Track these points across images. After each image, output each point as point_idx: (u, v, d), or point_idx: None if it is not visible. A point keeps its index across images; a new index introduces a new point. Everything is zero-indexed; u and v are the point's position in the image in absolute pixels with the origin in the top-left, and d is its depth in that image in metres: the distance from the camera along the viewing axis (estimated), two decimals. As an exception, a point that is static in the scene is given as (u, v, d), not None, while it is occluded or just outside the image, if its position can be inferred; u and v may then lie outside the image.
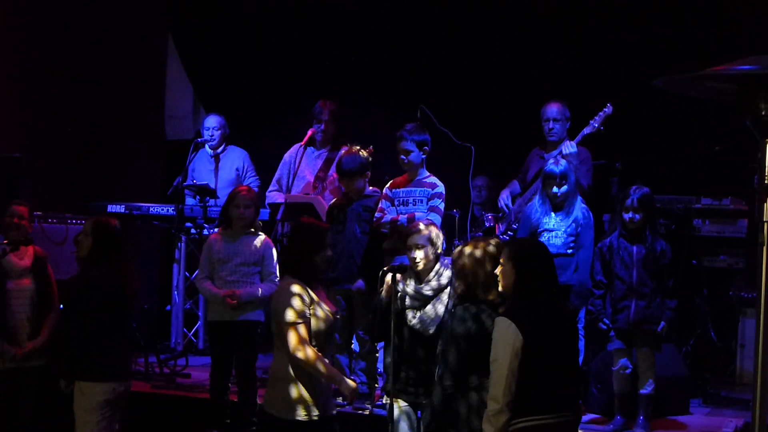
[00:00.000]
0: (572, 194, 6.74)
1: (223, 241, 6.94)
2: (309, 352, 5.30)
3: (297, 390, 5.34)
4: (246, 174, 9.02)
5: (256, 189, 8.78)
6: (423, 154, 7.02)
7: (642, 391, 6.57)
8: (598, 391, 7.06)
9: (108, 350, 5.88)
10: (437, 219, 6.84)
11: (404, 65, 9.05)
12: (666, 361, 6.98)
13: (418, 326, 5.56)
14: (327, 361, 5.43)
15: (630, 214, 6.53)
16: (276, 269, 6.88)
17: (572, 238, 6.73)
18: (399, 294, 5.53)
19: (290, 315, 5.33)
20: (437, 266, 5.64)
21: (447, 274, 5.57)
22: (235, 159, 9.08)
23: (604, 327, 6.61)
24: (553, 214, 6.78)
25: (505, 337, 4.55)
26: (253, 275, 6.91)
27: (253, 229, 6.95)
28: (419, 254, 5.56)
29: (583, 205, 6.79)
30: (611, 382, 6.74)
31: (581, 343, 7.54)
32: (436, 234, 5.64)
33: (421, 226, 5.67)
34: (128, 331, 6.26)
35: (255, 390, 6.82)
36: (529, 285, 4.68)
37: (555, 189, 6.73)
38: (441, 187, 7.02)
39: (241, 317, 6.83)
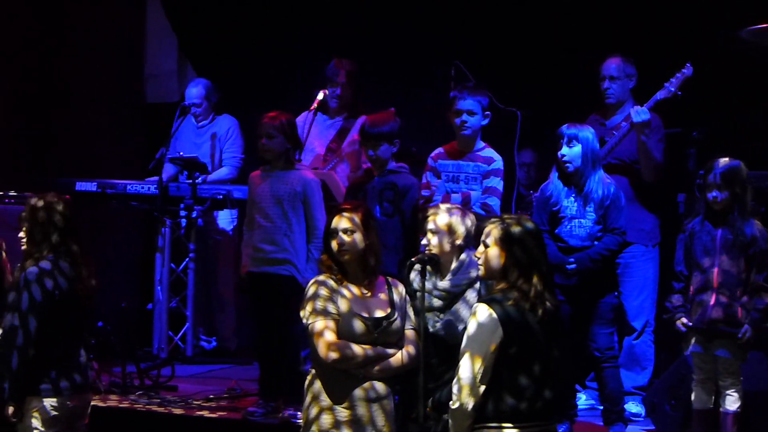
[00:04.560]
0: (586, 165, 6.68)
1: (261, 177, 7.16)
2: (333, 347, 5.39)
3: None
4: (227, 144, 8.96)
5: (236, 165, 8.77)
6: (484, 119, 6.99)
7: (726, 409, 6.47)
8: (672, 408, 6.98)
9: (56, 359, 5.79)
10: (496, 203, 6.86)
11: (432, 12, 8.97)
12: (756, 372, 6.84)
13: (442, 332, 5.61)
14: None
15: (714, 193, 6.42)
16: (320, 217, 6.99)
17: (600, 227, 6.69)
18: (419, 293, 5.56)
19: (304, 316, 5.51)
20: (463, 256, 5.71)
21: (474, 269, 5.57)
22: (221, 128, 9.07)
23: (684, 329, 6.51)
24: (572, 197, 6.74)
25: (484, 328, 4.72)
26: (290, 221, 7.03)
27: (288, 166, 7.12)
28: (434, 241, 5.64)
29: (608, 181, 6.72)
30: (688, 397, 6.64)
31: (651, 351, 7.54)
32: (458, 221, 5.68)
33: (442, 206, 5.77)
34: (83, 336, 6.15)
35: (299, 358, 7.04)
36: (515, 272, 4.83)
37: (562, 151, 6.67)
38: (499, 162, 7.00)
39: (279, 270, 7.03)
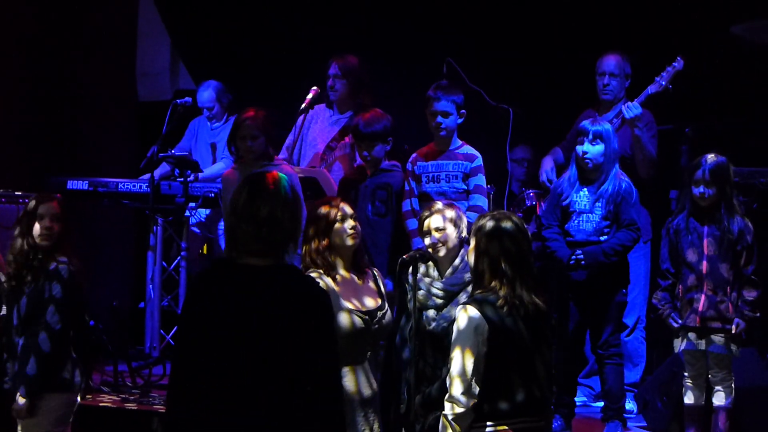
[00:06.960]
0: (608, 163, 6.71)
1: (237, 177, 7.06)
2: None
3: None
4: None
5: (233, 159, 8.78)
6: (460, 118, 6.95)
7: (717, 405, 6.53)
8: (663, 404, 7.02)
9: (66, 355, 5.88)
10: (484, 202, 6.86)
11: (426, 9, 8.99)
12: (747, 368, 6.89)
13: (439, 330, 5.61)
14: None
15: (701, 189, 6.49)
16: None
17: (607, 223, 6.72)
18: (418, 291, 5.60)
19: None
20: (462, 253, 5.72)
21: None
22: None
23: (675, 325, 6.58)
24: (584, 191, 6.77)
25: (470, 328, 4.73)
26: None
27: (266, 162, 7.02)
28: (441, 237, 5.66)
29: (624, 178, 6.75)
30: (680, 394, 6.70)
31: (642, 347, 7.59)
32: (459, 215, 5.74)
33: (439, 205, 5.78)
34: (85, 332, 6.22)
35: None
36: (499, 270, 4.80)
37: (584, 148, 6.70)
38: (480, 159, 6.95)
39: None
